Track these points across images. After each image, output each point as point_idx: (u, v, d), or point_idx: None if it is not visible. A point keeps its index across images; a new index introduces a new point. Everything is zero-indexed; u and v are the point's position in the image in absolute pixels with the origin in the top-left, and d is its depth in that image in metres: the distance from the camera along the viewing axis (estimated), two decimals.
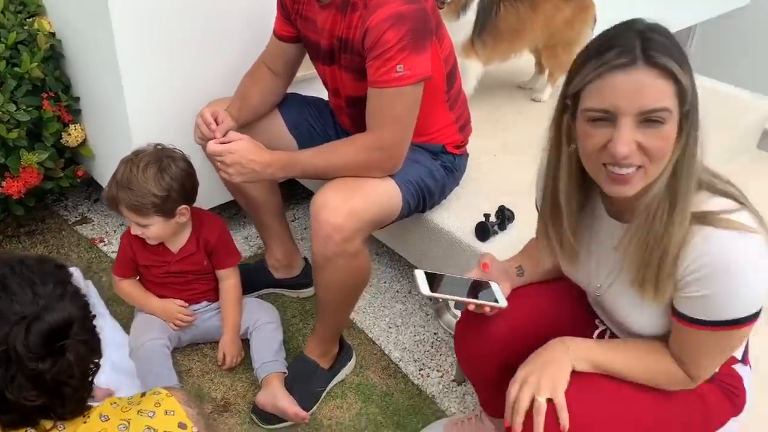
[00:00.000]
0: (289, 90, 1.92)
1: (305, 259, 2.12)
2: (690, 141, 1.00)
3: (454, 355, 1.93)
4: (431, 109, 1.67)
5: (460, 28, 2.18)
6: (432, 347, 1.97)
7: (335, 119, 1.89)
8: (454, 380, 1.87)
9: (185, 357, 1.90)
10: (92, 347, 1.05)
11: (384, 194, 1.62)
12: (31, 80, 2.03)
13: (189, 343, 1.91)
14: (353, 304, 1.74)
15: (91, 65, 2.04)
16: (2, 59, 1.96)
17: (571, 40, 2.38)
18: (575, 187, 1.12)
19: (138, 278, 1.87)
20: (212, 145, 1.59)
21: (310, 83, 2.04)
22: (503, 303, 1.25)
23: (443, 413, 1.78)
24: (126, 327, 1.91)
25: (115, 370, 1.81)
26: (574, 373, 1.15)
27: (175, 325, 1.81)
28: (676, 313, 1.09)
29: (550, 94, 2.52)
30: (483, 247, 1.78)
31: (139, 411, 1.06)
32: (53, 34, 2.12)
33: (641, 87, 0.95)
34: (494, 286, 1.29)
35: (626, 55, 0.96)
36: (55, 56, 2.12)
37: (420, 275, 1.27)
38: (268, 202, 1.97)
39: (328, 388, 1.80)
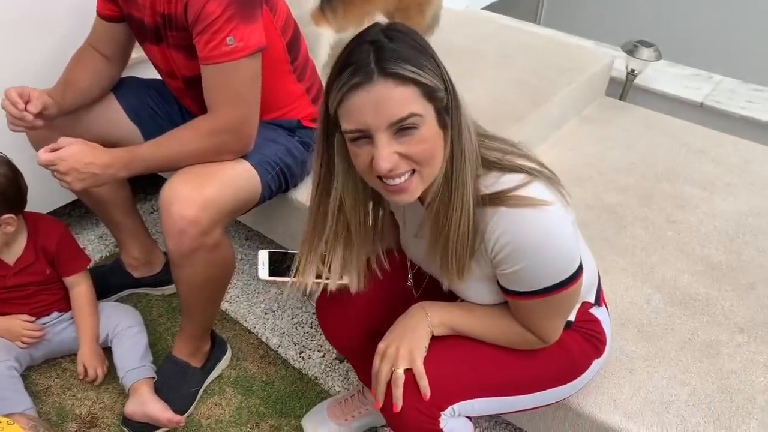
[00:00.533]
0: (125, 74, 1.76)
1: (165, 254, 1.98)
2: (456, 131, 1.00)
3: None
4: (276, 82, 1.59)
5: None
6: (312, 328, 1.93)
7: (180, 103, 1.76)
8: (336, 359, 1.84)
9: (41, 375, 1.73)
10: None
11: (239, 178, 1.52)
12: None
13: (45, 360, 1.75)
14: (220, 299, 1.64)
15: None
16: None
17: (422, 1, 2.35)
18: (364, 198, 1.12)
19: None
20: (41, 155, 1.40)
21: (148, 65, 1.88)
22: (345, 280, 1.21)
23: (327, 393, 1.74)
24: None
25: None
26: (435, 339, 1.15)
27: (23, 342, 1.64)
28: (503, 289, 1.11)
29: None
30: None
31: None
32: None
33: (383, 100, 0.94)
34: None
35: (361, 72, 0.93)
36: None
37: (263, 256, 1.22)
38: (116, 197, 1.81)
39: (203, 387, 1.71)
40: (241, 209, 1.56)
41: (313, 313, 1.97)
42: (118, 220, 1.86)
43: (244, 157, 1.54)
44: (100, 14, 1.62)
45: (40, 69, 1.74)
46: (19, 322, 1.62)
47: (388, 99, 0.94)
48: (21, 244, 1.61)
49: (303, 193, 1.82)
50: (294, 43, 1.63)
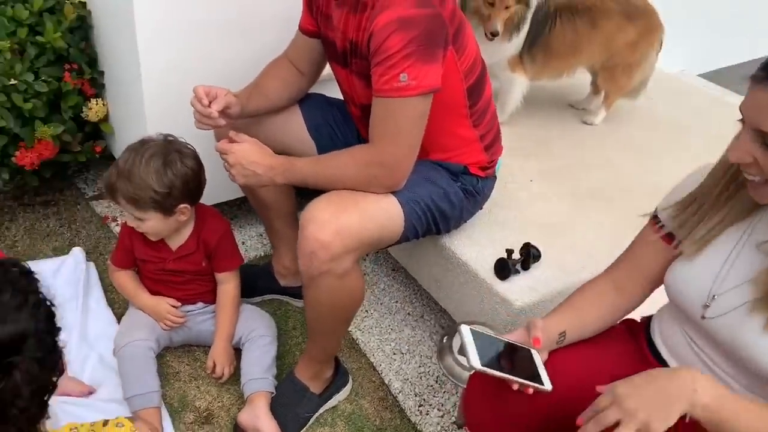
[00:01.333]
0: (315, 90, 1.79)
1: None
2: None
3: (459, 395, 1.79)
4: (449, 124, 1.53)
5: (510, 45, 2.01)
6: (436, 382, 1.83)
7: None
8: (454, 423, 1.73)
9: (176, 359, 1.81)
10: (48, 366, 0.96)
11: (381, 212, 1.47)
12: (54, 50, 1.96)
13: (182, 344, 1.82)
14: (343, 329, 1.62)
15: (116, 39, 1.95)
16: (25, 26, 1.89)
17: (632, 63, 2.17)
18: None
19: (136, 270, 1.78)
20: (219, 144, 1.52)
21: (335, 84, 1.91)
22: (548, 386, 1.09)
23: None
24: (121, 318, 1.83)
25: (102, 364, 1.74)
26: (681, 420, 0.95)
27: (165, 325, 1.71)
28: None
29: (603, 119, 2.31)
30: (501, 285, 1.62)
31: None
32: (83, 4, 2.04)
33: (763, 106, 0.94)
34: (535, 355, 1.13)
35: (763, 69, 0.95)
36: (83, 27, 2.05)
37: (467, 334, 1.10)
38: (280, 205, 1.85)
39: (316, 414, 1.68)
40: (378, 244, 1.52)
41: (440, 368, 1.87)
42: (278, 228, 1.90)
43: (395, 192, 1.50)
44: (301, 28, 1.66)
45: (238, 70, 1.80)
46: (165, 306, 1.70)
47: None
48: (186, 233, 1.68)
49: (455, 241, 1.73)
50: (476, 88, 1.56)
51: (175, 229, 1.66)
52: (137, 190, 1.53)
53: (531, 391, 1.09)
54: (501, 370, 1.08)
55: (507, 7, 1.93)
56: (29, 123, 1.96)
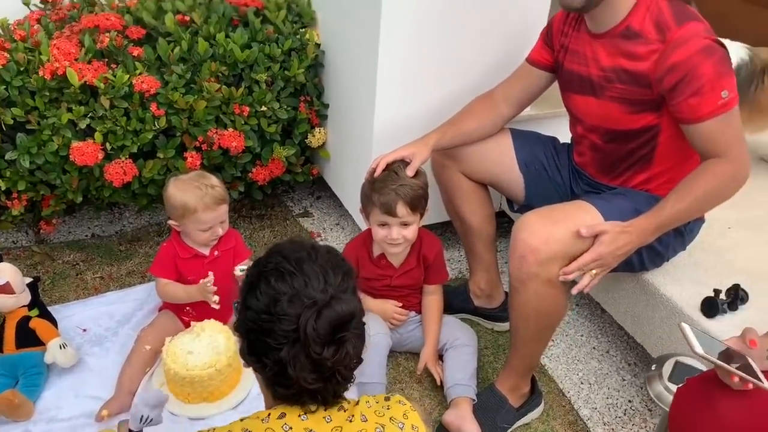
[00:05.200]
0: (528, 127, 1.95)
1: (506, 293, 2.13)
2: None
3: (648, 428, 1.83)
4: (690, 160, 1.63)
5: None
6: (624, 414, 1.88)
7: (572, 162, 1.89)
8: None
9: None
10: (363, 341, 1.08)
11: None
12: (294, 84, 2.27)
13: (389, 349, 1.99)
14: (546, 338, 1.71)
15: (348, 76, 2.23)
16: (277, 62, 2.21)
17: None
18: None
19: None
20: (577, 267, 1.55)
21: (549, 123, 2.06)
22: (767, 384, 1.15)
23: None
24: None
25: None
26: None
27: (392, 323, 1.91)
28: None
29: None
30: (707, 323, 1.67)
31: (390, 418, 1.09)
32: (318, 45, 2.35)
33: None
34: (751, 362, 1.18)
35: None
36: (317, 65, 2.35)
37: (689, 331, 1.21)
38: (484, 230, 2.01)
39: (512, 428, 1.79)
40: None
41: (629, 401, 1.92)
42: (478, 251, 2.05)
43: (606, 218, 1.58)
44: (530, 59, 1.84)
45: (460, 105, 1.96)
46: (390, 306, 1.91)
47: None
48: (407, 251, 1.88)
49: (658, 278, 1.80)
50: None
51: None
52: (414, 190, 1.73)
53: (750, 386, 1.14)
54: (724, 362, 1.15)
55: None
56: (268, 144, 2.27)
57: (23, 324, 1.77)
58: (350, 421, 1.06)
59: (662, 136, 1.64)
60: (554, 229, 1.53)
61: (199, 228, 1.78)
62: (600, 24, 1.62)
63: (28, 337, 1.76)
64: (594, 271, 1.55)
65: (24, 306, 1.79)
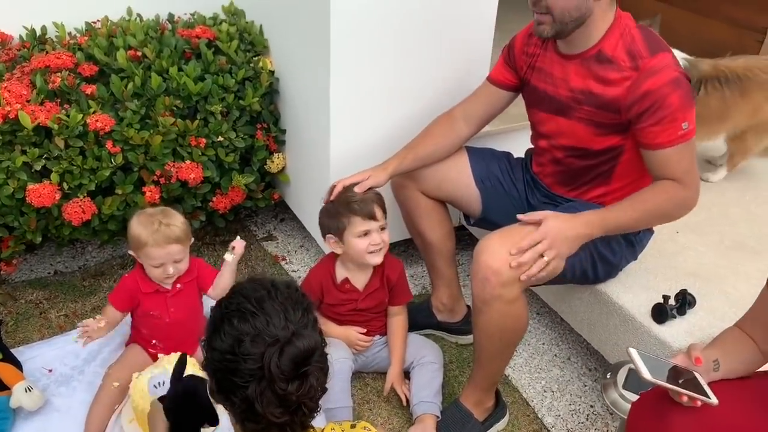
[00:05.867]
0: (483, 144, 2.01)
1: (468, 306, 2.18)
2: None
3: (609, 431, 1.90)
4: (646, 177, 1.70)
5: None
6: (587, 420, 1.95)
7: (531, 176, 1.94)
8: None
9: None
10: (326, 373, 1.12)
11: None
12: (250, 112, 2.30)
13: (354, 371, 2.03)
14: (509, 354, 1.76)
15: (303, 102, 2.26)
16: (231, 92, 2.24)
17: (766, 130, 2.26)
18: None
19: None
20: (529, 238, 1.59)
21: (503, 139, 2.12)
22: (714, 399, 1.21)
23: None
24: None
25: None
26: None
27: (356, 349, 1.94)
28: None
29: (722, 178, 2.40)
30: (658, 329, 1.74)
31: None
32: (272, 72, 2.38)
33: None
34: (698, 376, 1.25)
35: None
36: (271, 92, 2.38)
37: (636, 355, 1.26)
38: (444, 246, 2.06)
39: None
40: (543, 278, 1.63)
41: (591, 406, 1.98)
42: (439, 267, 2.10)
43: None
44: (491, 79, 1.89)
45: (404, 129, 2.04)
46: (353, 332, 1.94)
47: None
48: (369, 272, 1.92)
49: (611, 287, 1.86)
50: None
51: (359, 268, 1.89)
52: (379, 198, 1.83)
53: (699, 403, 1.20)
54: (671, 384, 1.21)
55: None
56: (227, 173, 2.29)
57: None
58: None
59: (624, 156, 1.71)
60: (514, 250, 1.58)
61: (150, 263, 1.79)
62: (572, 46, 1.67)
63: None
64: (545, 258, 1.55)
65: None
